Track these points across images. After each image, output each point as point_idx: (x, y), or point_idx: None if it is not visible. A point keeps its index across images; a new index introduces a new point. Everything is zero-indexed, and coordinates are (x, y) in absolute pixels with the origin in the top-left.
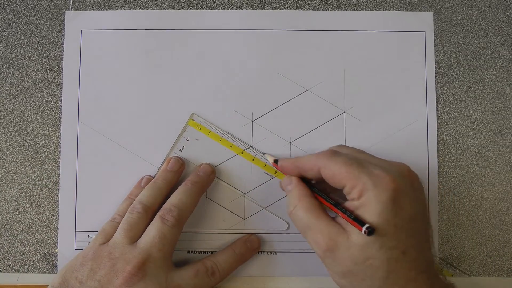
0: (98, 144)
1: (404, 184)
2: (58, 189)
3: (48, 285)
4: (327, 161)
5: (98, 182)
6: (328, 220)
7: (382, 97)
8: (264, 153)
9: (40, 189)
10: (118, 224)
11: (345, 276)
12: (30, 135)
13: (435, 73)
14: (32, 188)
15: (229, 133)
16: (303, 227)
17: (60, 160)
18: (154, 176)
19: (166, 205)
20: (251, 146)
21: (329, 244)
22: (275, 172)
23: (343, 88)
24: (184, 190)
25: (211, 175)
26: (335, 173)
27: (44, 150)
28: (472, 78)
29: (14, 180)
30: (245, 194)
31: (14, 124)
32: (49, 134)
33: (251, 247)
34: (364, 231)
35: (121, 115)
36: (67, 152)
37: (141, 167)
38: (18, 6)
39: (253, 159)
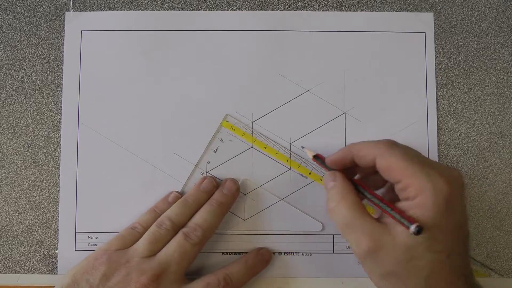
0: (98, 145)
1: (457, 189)
2: (58, 190)
3: (47, 286)
4: (386, 151)
5: (98, 183)
6: (371, 219)
7: (382, 97)
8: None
9: (40, 190)
10: (137, 233)
11: (386, 277)
12: (30, 136)
13: (435, 74)
14: (32, 189)
15: (262, 134)
16: (344, 226)
17: (60, 161)
18: (181, 190)
19: (191, 224)
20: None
21: (371, 245)
22: (309, 173)
23: (344, 89)
24: (210, 210)
25: (236, 193)
26: (393, 166)
27: (44, 151)
28: (473, 78)
29: (14, 181)
30: (245, 195)
31: (14, 125)
32: (49, 135)
33: (263, 259)
34: (412, 231)
35: (121, 116)
36: (67, 153)
37: (141, 168)
38: (18, 7)
39: (287, 160)
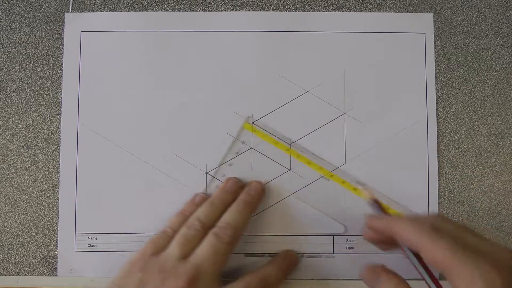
0: (98, 145)
1: (510, 279)
2: (58, 191)
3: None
4: (429, 242)
5: (98, 183)
6: None
7: (382, 98)
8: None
9: (40, 190)
10: (168, 237)
11: None
12: (30, 136)
13: (435, 75)
14: (32, 189)
15: (285, 136)
16: None
17: (60, 162)
18: (205, 192)
19: (220, 223)
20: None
21: None
22: (332, 176)
23: (343, 90)
24: (238, 210)
25: (262, 193)
26: (438, 259)
27: (44, 151)
28: (472, 79)
29: (14, 181)
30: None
31: (13, 126)
32: (49, 135)
33: (294, 261)
34: None
35: (120, 116)
36: (67, 153)
37: (141, 168)
38: (18, 8)
39: (309, 163)
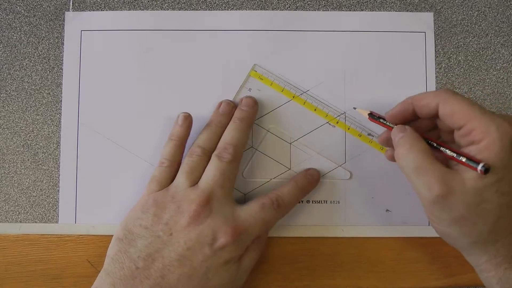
0: (98, 144)
1: None
2: (58, 190)
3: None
4: (448, 97)
5: (98, 183)
6: (442, 165)
7: (382, 98)
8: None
9: (40, 189)
10: (167, 168)
11: (456, 222)
12: (30, 135)
13: (436, 74)
14: (32, 188)
15: (291, 84)
16: (414, 169)
17: (60, 161)
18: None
19: (220, 144)
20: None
21: (443, 189)
22: (337, 122)
23: (343, 89)
24: (235, 128)
25: (255, 106)
26: (456, 109)
27: (44, 150)
28: (473, 78)
29: (14, 180)
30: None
31: (14, 125)
32: (49, 134)
33: (312, 179)
34: (480, 170)
35: (121, 115)
36: (67, 152)
37: (141, 167)
38: (18, 7)
39: (315, 109)
